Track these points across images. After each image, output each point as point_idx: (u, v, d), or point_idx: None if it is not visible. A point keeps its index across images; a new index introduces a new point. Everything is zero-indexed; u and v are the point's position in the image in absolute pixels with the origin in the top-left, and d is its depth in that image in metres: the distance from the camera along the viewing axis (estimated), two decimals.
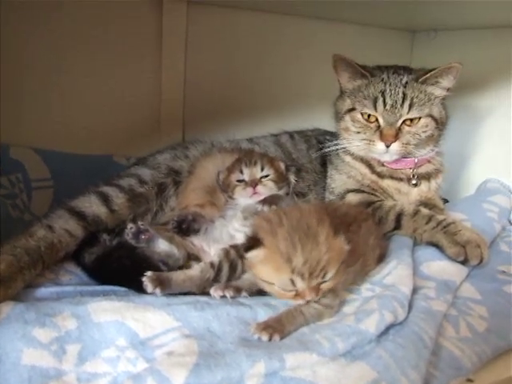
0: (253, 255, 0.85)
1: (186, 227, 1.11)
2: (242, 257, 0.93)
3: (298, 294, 0.83)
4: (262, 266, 0.85)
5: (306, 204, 0.95)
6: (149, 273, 0.87)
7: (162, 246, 1.00)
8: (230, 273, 0.93)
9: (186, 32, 1.58)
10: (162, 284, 0.86)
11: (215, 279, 0.92)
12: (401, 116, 1.23)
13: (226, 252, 0.95)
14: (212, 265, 0.93)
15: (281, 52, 1.76)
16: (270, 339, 0.77)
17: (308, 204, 0.97)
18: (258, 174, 1.17)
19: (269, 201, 1.10)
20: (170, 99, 1.61)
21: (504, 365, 0.88)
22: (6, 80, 1.34)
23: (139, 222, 1.00)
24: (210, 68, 1.66)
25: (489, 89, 1.63)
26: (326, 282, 0.84)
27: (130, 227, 0.99)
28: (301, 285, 0.82)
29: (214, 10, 1.61)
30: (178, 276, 0.90)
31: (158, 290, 0.85)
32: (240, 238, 1.00)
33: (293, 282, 0.82)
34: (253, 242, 0.84)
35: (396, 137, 1.22)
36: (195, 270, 0.92)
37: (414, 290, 0.95)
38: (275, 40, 1.74)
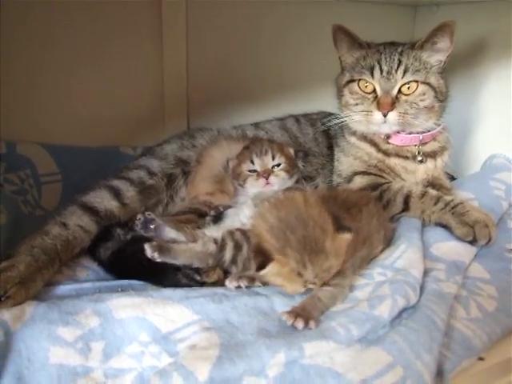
0: (265, 271, 0.85)
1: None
2: (249, 239, 0.94)
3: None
4: (274, 278, 0.88)
5: (303, 196, 0.91)
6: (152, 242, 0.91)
7: (170, 234, 1.01)
8: (235, 251, 0.93)
9: (187, 19, 1.56)
10: (162, 250, 0.90)
11: (219, 257, 0.93)
12: (396, 82, 1.24)
13: (231, 232, 0.97)
14: (215, 240, 0.94)
15: (284, 36, 1.74)
16: (305, 326, 0.79)
17: (307, 195, 0.92)
18: (270, 163, 1.15)
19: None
20: (173, 87, 1.60)
21: None
22: (8, 76, 1.33)
23: (146, 212, 1.02)
24: (211, 54, 1.64)
25: (490, 62, 1.62)
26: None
27: (139, 218, 1.01)
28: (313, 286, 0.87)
29: None
30: (179, 246, 0.94)
31: (156, 254, 0.89)
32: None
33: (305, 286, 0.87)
34: (262, 260, 0.85)
35: (393, 105, 1.23)
36: (197, 243, 0.95)
37: (425, 272, 0.97)
38: (278, 24, 1.72)
